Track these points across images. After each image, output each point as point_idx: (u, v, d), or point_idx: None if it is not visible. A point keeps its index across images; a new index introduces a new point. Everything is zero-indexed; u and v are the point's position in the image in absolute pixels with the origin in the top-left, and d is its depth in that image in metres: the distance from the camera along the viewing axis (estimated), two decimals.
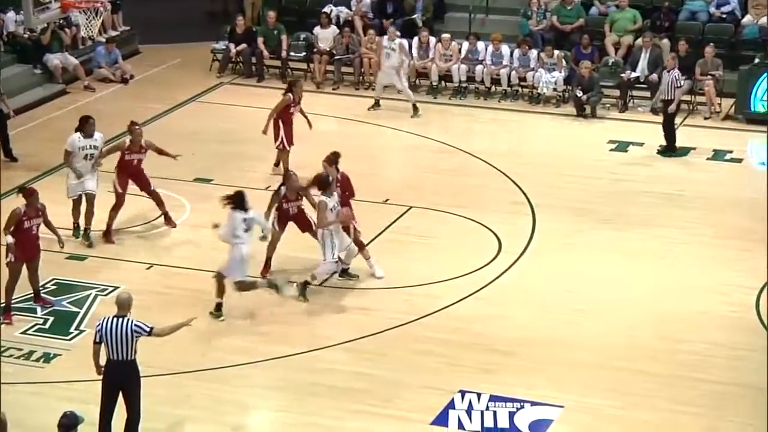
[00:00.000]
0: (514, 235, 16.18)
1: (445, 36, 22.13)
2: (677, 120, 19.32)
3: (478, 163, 18.83)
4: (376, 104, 21.08)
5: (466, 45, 22.06)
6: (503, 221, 16.61)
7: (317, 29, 22.84)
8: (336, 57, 22.42)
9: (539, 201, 17.28)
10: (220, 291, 13.93)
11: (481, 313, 14.25)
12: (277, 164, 17.88)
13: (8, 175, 17.87)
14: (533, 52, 21.81)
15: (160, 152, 16.01)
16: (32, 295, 14.17)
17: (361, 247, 14.82)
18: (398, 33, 21.23)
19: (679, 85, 19.03)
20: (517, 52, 21.81)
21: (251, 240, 14.03)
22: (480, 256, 15.56)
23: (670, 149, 18.99)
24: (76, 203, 15.86)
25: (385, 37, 21.12)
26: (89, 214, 15.80)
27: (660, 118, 19.24)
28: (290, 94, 17.55)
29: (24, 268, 13.90)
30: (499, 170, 18.52)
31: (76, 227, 15.85)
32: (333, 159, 14.87)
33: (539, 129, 20.69)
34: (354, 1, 23.50)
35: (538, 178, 18.17)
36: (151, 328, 11.11)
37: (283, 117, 17.52)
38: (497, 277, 15.08)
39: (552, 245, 16.01)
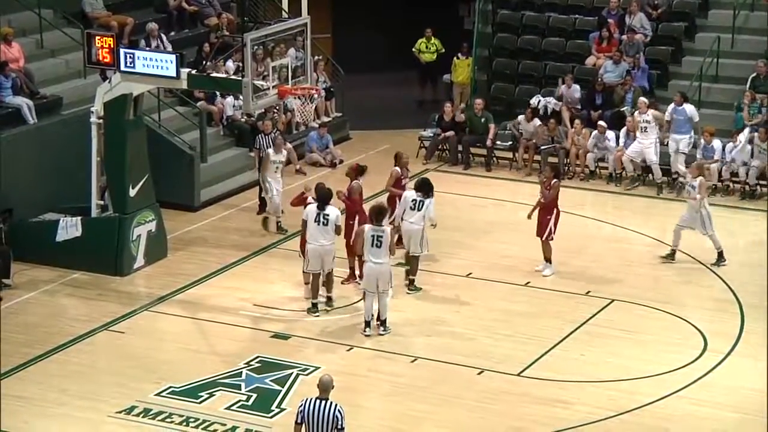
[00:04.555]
0: (721, 334, 15.71)
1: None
2: None
3: (685, 258, 18.40)
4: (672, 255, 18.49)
5: None
6: (710, 319, 16.15)
7: (522, 119, 22.88)
8: (542, 147, 22.41)
9: (749, 300, 16.75)
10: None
11: (683, 412, 13.83)
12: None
13: (218, 252, 18.51)
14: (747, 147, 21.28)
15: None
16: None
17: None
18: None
19: None
20: (729, 146, 21.34)
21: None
22: (684, 354, 15.16)
23: None
24: (315, 277, 16.09)
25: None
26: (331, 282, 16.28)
27: None
28: (398, 168, 18.14)
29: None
30: (707, 267, 18.06)
31: (314, 305, 16.12)
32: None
33: (750, 226, 20.10)
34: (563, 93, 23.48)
35: (749, 276, 17.61)
36: (343, 428, 11.12)
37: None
38: (702, 376, 14.63)
39: (761, 346, 15.44)
